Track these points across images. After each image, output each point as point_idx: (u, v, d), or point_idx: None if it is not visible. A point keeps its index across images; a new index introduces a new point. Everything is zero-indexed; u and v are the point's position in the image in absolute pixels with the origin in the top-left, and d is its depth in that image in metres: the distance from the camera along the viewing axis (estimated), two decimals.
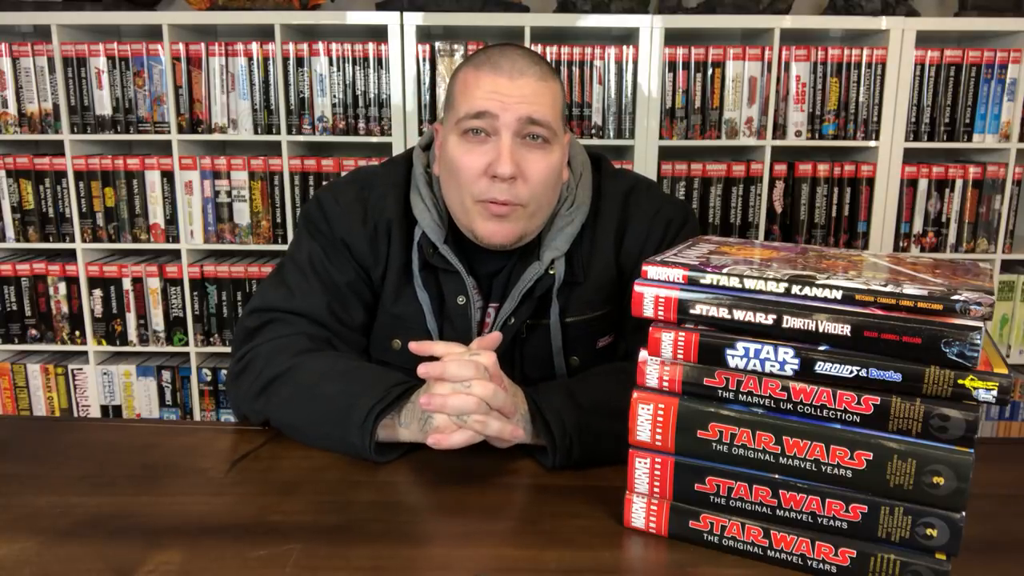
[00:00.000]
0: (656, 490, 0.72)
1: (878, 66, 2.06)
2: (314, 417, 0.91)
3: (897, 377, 0.62)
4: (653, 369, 0.70)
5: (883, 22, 2.02)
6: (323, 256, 1.04)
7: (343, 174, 2.07)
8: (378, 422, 0.87)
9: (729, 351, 0.67)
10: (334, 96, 2.08)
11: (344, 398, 0.89)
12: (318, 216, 1.06)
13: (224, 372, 2.20)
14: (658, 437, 0.71)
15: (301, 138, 2.09)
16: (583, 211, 1.04)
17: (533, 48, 2.03)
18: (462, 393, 0.81)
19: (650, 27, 2.01)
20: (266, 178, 2.13)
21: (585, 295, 1.05)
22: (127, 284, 2.18)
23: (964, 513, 0.62)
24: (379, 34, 2.05)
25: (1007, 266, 2.22)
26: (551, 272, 1.01)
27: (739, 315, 0.66)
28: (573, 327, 1.05)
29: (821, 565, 0.67)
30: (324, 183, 2.06)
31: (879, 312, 0.62)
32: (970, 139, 2.11)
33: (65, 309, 2.19)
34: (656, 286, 0.69)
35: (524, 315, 1.03)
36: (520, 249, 1.05)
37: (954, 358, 0.60)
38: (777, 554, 0.68)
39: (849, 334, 0.63)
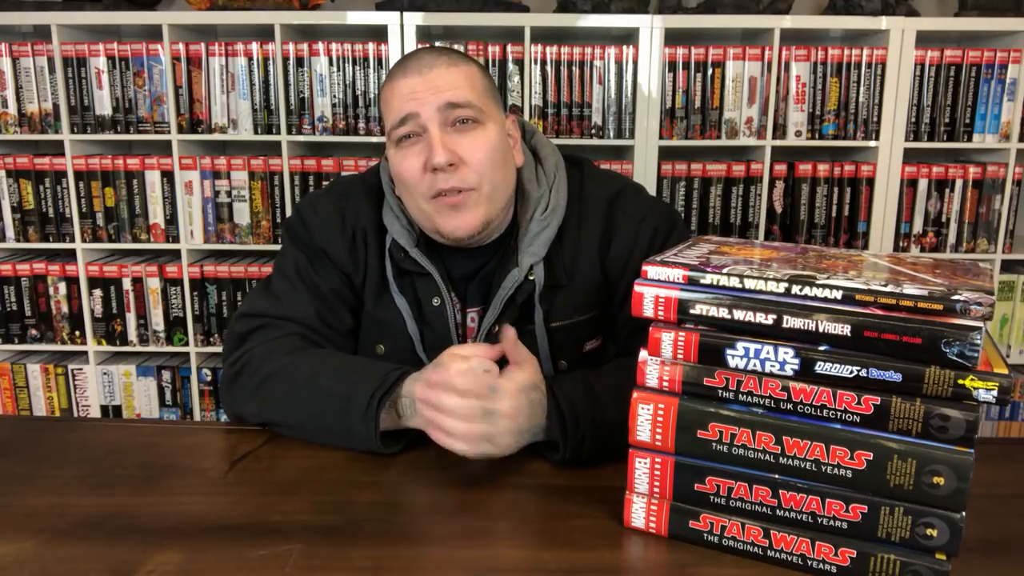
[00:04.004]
0: (656, 490, 0.72)
1: (878, 66, 2.06)
2: (313, 411, 0.91)
3: (897, 377, 0.62)
4: (653, 369, 0.70)
5: (883, 22, 2.02)
6: (307, 264, 1.06)
7: (342, 174, 2.08)
8: (380, 409, 0.87)
9: (729, 351, 0.67)
10: (334, 96, 2.08)
11: (341, 389, 0.90)
12: (298, 227, 1.08)
13: None
14: (658, 437, 0.71)
15: (301, 138, 2.09)
16: (559, 214, 1.04)
17: (533, 48, 2.03)
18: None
19: (650, 27, 2.01)
20: (266, 178, 2.13)
21: (570, 298, 1.05)
22: (127, 284, 2.18)
23: (964, 513, 0.62)
24: (379, 34, 2.05)
25: (1007, 266, 2.22)
26: (531, 278, 1.01)
27: (739, 315, 0.66)
28: (559, 331, 1.05)
29: (821, 565, 0.67)
30: (324, 183, 2.07)
31: (879, 312, 0.62)
32: (970, 139, 2.11)
33: (65, 309, 2.19)
34: (656, 286, 0.69)
35: (508, 321, 1.02)
36: (496, 251, 1.05)
37: (954, 358, 0.60)
38: (777, 554, 0.68)
39: (849, 334, 0.63)
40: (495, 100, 1.02)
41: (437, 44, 2.07)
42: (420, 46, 2.01)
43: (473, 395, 0.81)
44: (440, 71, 0.97)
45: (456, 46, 2.03)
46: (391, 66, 1.02)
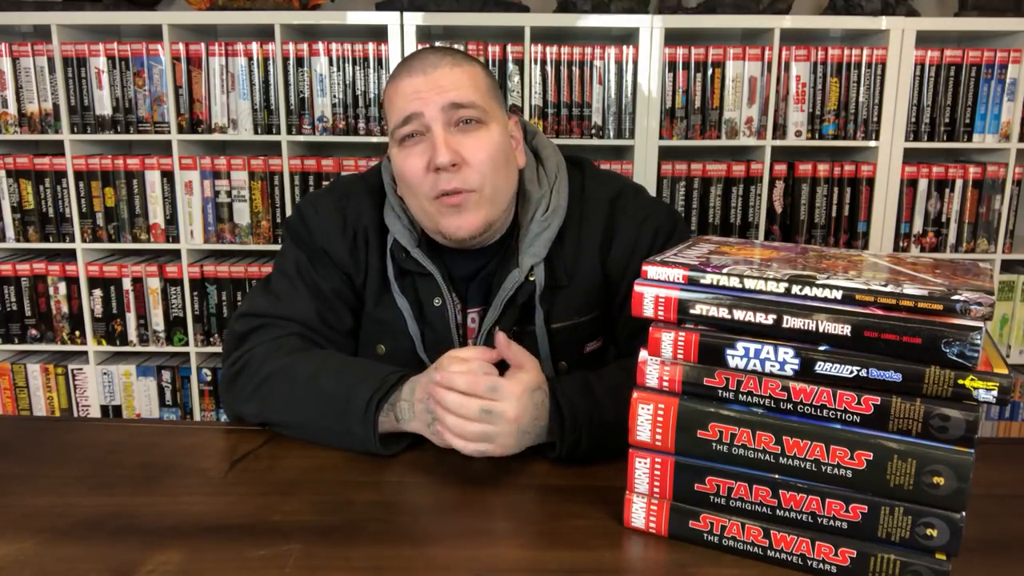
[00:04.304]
0: (656, 490, 0.72)
1: (878, 66, 2.06)
2: (313, 412, 0.91)
3: (897, 377, 0.62)
4: (653, 369, 0.70)
5: (883, 22, 2.02)
6: (308, 264, 1.06)
7: (342, 174, 2.08)
8: (379, 412, 0.87)
9: (729, 351, 0.67)
10: (334, 96, 2.08)
11: (341, 390, 0.90)
12: (299, 226, 1.08)
13: None
14: (658, 437, 0.71)
15: (301, 138, 2.09)
16: (560, 215, 1.04)
17: (533, 48, 2.03)
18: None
19: (650, 27, 2.01)
20: (266, 178, 2.13)
21: (570, 300, 1.05)
22: (127, 284, 2.18)
23: (964, 513, 0.62)
24: (379, 34, 2.05)
25: (1007, 266, 2.22)
26: (531, 279, 1.01)
27: (739, 315, 0.66)
28: (559, 332, 1.05)
29: (821, 565, 0.67)
30: (324, 183, 2.07)
31: (879, 312, 0.62)
32: (970, 139, 2.11)
33: (65, 309, 2.19)
34: (656, 286, 0.69)
35: (509, 322, 1.02)
36: (496, 251, 1.05)
37: (954, 358, 0.60)
38: (777, 554, 0.68)
39: (849, 334, 0.63)
40: (498, 101, 1.02)
41: (438, 44, 2.08)
42: (420, 46, 2.01)
43: (474, 394, 0.82)
44: (444, 71, 0.96)
45: (456, 46, 2.03)
46: (393, 66, 1.02)
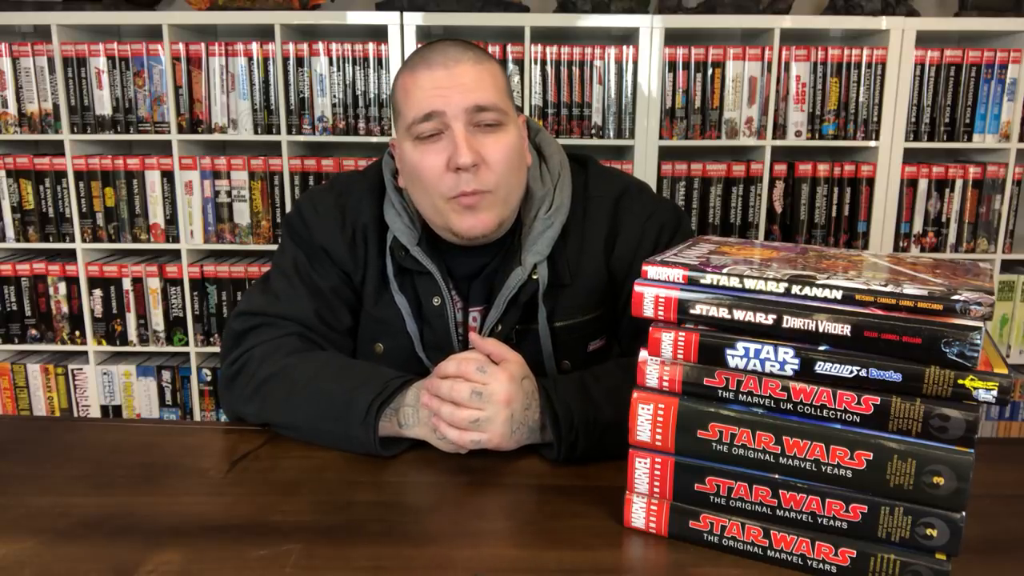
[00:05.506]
0: (656, 490, 0.72)
1: (878, 66, 2.06)
2: (312, 414, 0.91)
3: (897, 377, 0.62)
4: (653, 369, 0.70)
5: (883, 22, 2.02)
6: (307, 262, 1.05)
7: (337, 173, 2.08)
8: (380, 416, 0.87)
9: (729, 351, 0.67)
10: (334, 96, 2.08)
11: (342, 393, 0.90)
12: (298, 224, 1.07)
13: None
14: (658, 437, 0.71)
15: (301, 138, 2.09)
16: (563, 213, 1.03)
17: (533, 48, 2.03)
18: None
19: (650, 27, 2.01)
20: (266, 178, 2.13)
21: (574, 298, 1.04)
22: (127, 284, 2.18)
23: (964, 513, 0.62)
24: (379, 34, 2.06)
25: (1007, 266, 2.22)
26: (534, 277, 1.01)
27: (739, 315, 0.66)
28: (563, 331, 1.05)
29: (821, 565, 0.67)
30: (323, 183, 2.07)
31: (879, 312, 0.62)
32: (970, 139, 2.11)
33: (65, 309, 2.19)
34: (656, 286, 0.69)
35: (512, 321, 1.02)
36: (498, 250, 1.04)
37: (954, 358, 0.60)
38: (777, 554, 0.68)
39: (849, 334, 0.63)
40: (512, 100, 1.02)
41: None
42: (420, 46, 2.01)
43: (463, 376, 0.85)
44: (466, 67, 0.95)
45: None
46: (394, 66, 1.01)
